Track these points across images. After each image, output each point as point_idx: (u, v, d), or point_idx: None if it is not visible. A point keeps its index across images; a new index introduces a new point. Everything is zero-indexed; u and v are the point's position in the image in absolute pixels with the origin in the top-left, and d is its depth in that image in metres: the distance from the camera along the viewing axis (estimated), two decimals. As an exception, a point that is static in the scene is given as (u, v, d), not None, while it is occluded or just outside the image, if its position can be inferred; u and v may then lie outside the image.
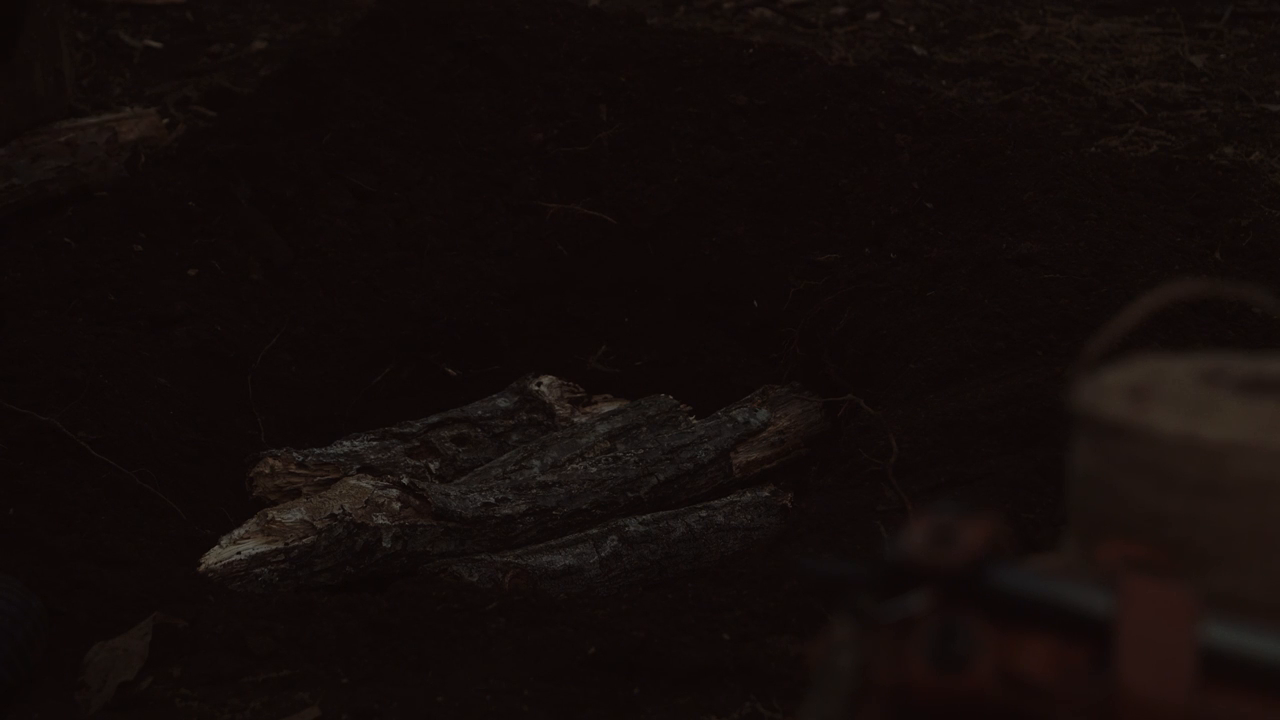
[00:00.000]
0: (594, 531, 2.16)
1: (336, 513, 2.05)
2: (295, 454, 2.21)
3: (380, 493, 2.09)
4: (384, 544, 2.07)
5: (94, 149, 3.04)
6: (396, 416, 2.44)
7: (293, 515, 2.05)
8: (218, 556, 1.99)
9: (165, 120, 3.26)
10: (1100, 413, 0.63)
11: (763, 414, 2.40)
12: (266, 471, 2.19)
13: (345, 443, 2.30)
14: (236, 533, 2.03)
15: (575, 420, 2.42)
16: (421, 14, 2.98)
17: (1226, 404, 0.61)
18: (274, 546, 2.01)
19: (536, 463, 2.27)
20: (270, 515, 2.05)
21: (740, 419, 2.39)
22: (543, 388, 2.42)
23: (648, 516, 2.21)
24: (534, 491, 2.20)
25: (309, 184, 2.71)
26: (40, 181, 2.97)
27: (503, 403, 2.43)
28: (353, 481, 2.11)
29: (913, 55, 3.56)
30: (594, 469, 2.25)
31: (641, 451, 2.30)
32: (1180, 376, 0.64)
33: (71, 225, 2.62)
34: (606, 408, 2.46)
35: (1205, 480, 0.59)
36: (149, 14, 3.97)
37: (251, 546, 2.01)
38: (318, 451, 2.25)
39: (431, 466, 2.30)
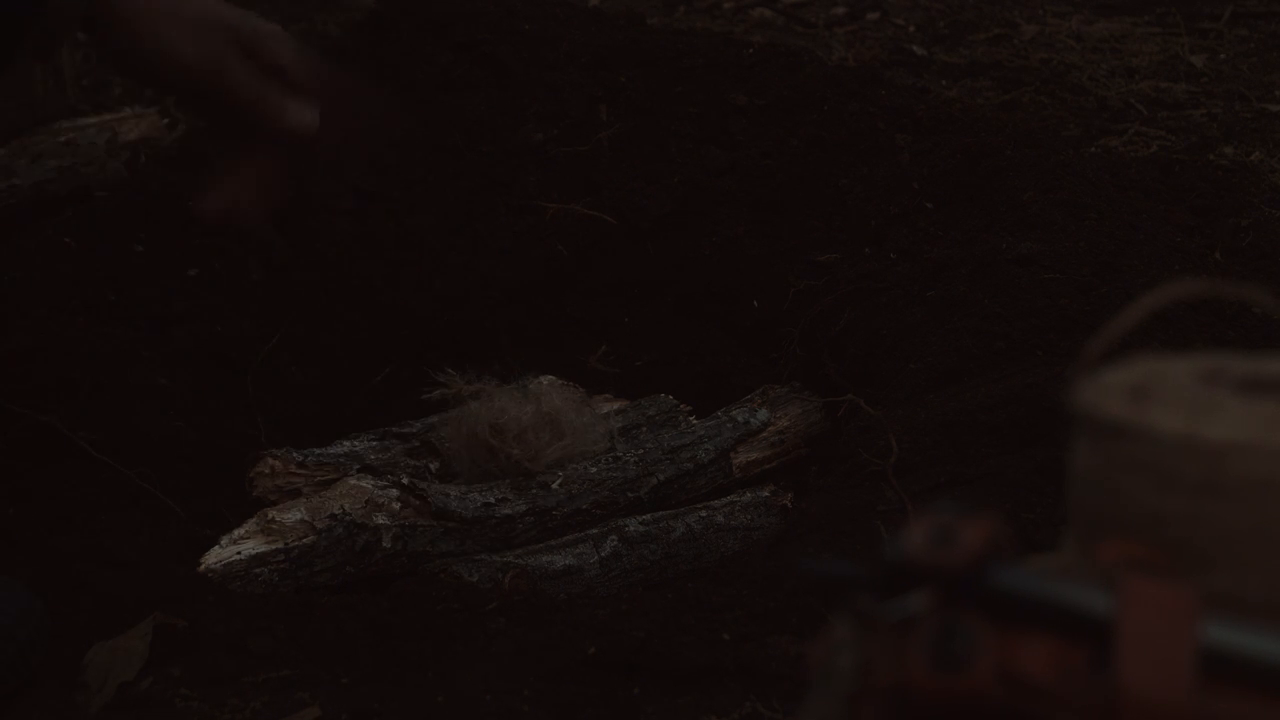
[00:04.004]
0: (594, 531, 2.16)
1: (336, 513, 2.06)
2: (295, 454, 2.21)
3: (380, 493, 2.09)
4: (384, 544, 2.07)
5: (94, 149, 3.04)
6: (396, 416, 2.44)
7: (293, 515, 2.05)
8: (218, 556, 1.99)
9: (166, 120, 3.26)
10: (1100, 412, 0.63)
11: (763, 414, 2.40)
12: (266, 471, 2.19)
13: (345, 443, 2.30)
14: (236, 533, 2.03)
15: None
16: (421, 14, 2.98)
17: (1227, 404, 0.61)
18: (274, 546, 2.01)
19: (536, 463, 2.26)
20: (270, 515, 2.05)
21: (740, 419, 2.39)
22: (543, 387, 2.42)
23: (648, 516, 2.21)
24: (534, 491, 2.20)
25: (308, 184, 2.71)
26: (40, 181, 2.97)
27: (503, 403, 2.42)
28: (353, 481, 2.11)
29: (913, 55, 3.56)
30: (594, 469, 2.25)
31: (641, 451, 2.30)
32: (1180, 376, 0.64)
33: (71, 225, 2.62)
34: (606, 408, 2.46)
35: (1205, 479, 0.59)
36: (149, 14, 3.96)
37: (251, 546, 2.01)
38: (318, 451, 2.25)
39: (431, 466, 2.30)
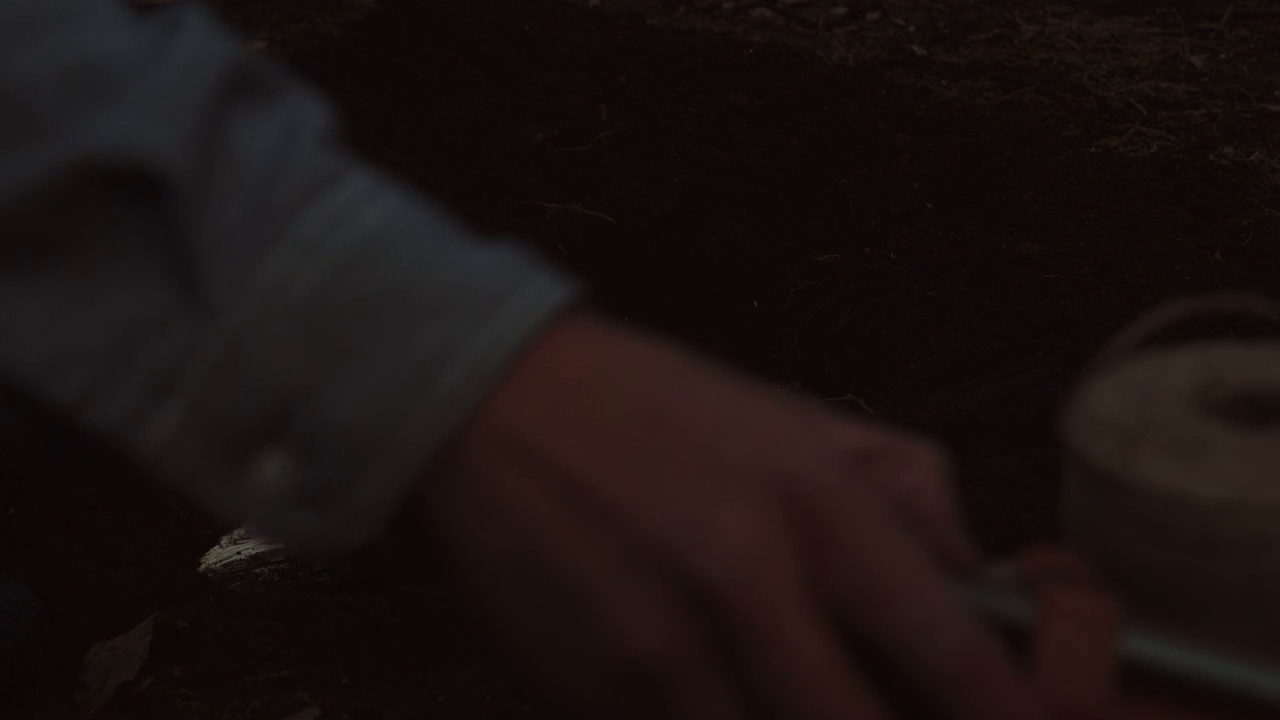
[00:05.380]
0: (594, 531, 2.17)
1: (336, 513, 2.06)
2: (295, 454, 2.22)
3: (380, 493, 2.10)
4: (384, 544, 2.07)
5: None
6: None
7: (293, 515, 2.05)
8: (218, 556, 1.99)
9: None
10: (1089, 458, 0.63)
11: (763, 414, 2.40)
12: (266, 471, 2.19)
13: (345, 443, 2.30)
14: (237, 533, 2.03)
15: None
16: (421, 14, 2.98)
17: (1219, 441, 0.61)
18: (274, 546, 2.02)
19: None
20: (270, 515, 2.05)
21: (740, 419, 2.39)
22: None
23: (648, 516, 2.21)
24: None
25: (309, 184, 2.71)
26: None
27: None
28: (353, 481, 2.12)
29: (913, 55, 3.56)
30: (594, 469, 2.26)
31: (641, 451, 2.31)
32: (1173, 399, 0.64)
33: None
34: (606, 408, 2.46)
35: (1197, 537, 0.60)
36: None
37: (251, 546, 2.01)
38: (318, 451, 2.25)
39: (431, 466, 2.31)
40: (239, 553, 2.00)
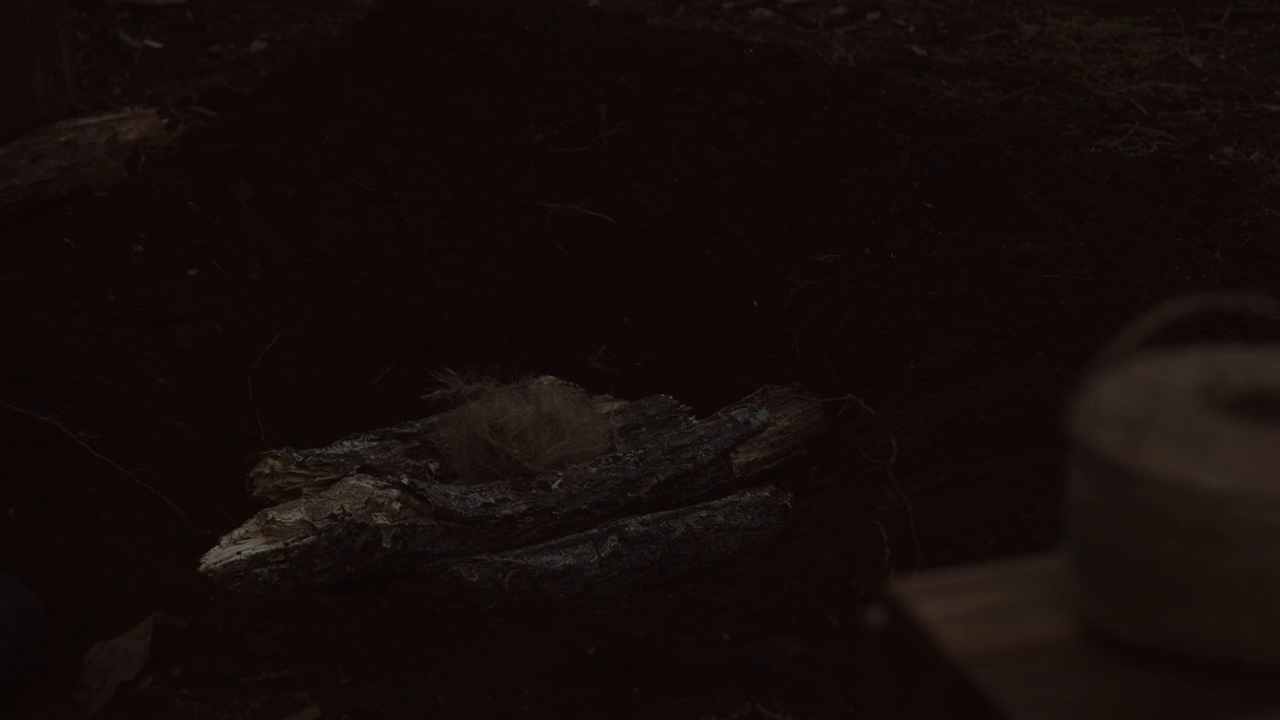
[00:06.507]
0: (594, 531, 2.16)
1: (336, 513, 2.06)
2: (295, 454, 2.21)
3: (380, 493, 2.09)
4: (384, 544, 2.07)
5: (94, 149, 3.04)
6: (396, 416, 2.44)
7: (293, 515, 2.05)
8: (218, 556, 1.99)
9: (165, 120, 3.26)
10: (1096, 449, 0.63)
11: (763, 414, 2.40)
12: (266, 471, 2.19)
13: (345, 443, 2.30)
14: (236, 533, 2.03)
15: (575, 420, 2.42)
16: (421, 14, 2.98)
17: (1225, 434, 0.61)
18: (274, 546, 2.02)
19: (536, 463, 2.26)
20: (270, 515, 2.05)
21: (740, 419, 2.39)
22: (543, 387, 2.42)
23: (648, 516, 2.21)
24: (534, 491, 2.20)
25: (309, 184, 2.71)
26: (40, 181, 2.97)
27: (503, 403, 2.42)
28: (353, 481, 2.11)
29: (913, 55, 3.55)
30: (594, 469, 2.25)
31: (641, 452, 2.30)
32: (1179, 395, 0.64)
33: (71, 225, 2.62)
34: (606, 408, 2.46)
35: (1202, 527, 0.59)
36: (149, 14, 3.97)
37: (251, 546, 2.01)
38: (318, 451, 2.25)
39: (431, 466, 2.30)
40: (239, 553, 2.00)
